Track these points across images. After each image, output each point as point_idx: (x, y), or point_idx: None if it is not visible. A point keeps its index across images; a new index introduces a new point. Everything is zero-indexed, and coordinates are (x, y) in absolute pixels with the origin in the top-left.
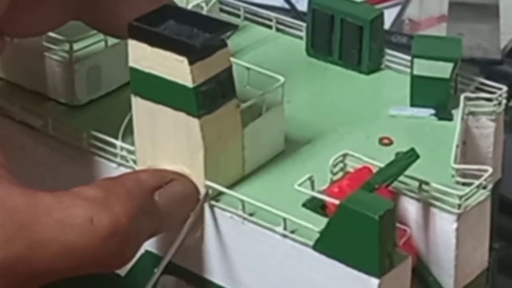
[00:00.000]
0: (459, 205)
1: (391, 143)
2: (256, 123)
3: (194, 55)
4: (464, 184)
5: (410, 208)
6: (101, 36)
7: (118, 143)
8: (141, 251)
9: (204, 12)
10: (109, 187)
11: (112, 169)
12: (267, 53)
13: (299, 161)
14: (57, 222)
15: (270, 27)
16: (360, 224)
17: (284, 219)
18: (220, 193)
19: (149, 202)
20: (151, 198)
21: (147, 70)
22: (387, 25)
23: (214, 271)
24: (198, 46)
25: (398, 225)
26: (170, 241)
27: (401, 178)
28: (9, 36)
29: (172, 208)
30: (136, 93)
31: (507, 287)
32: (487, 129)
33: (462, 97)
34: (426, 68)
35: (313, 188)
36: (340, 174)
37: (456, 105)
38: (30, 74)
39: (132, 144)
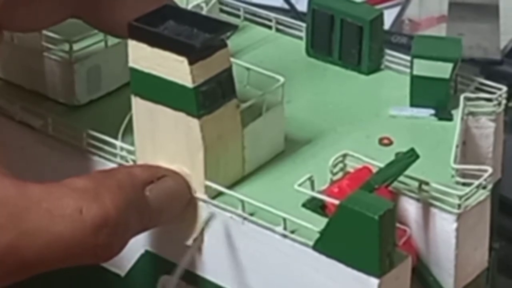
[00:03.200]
0: (459, 205)
1: (391, 143)
2: (256, 123)
3: (194, 55)
4: (464, 184)
5: (410, 208)
6: (101, 36)
7: (118, 143)
8: (141, 251)
9: (204, 12)
10: (100, 179)
11: None
12: (267, 53)
13: (299, 161)
14: (46, 212)
15: (270, 27)
16: (360, 224)
17: (284, 219)
18: (220, 193)
19: (139, 196)
20: (142, 192)
21: (147, 70)
22: (387, 25)
23: (214, 271)
24: (198, 46)
25: (398, 225)
26: (170, 242)
27: (401, 178)
28: (8, 30)
29: (163, 203)
30: (136, 93)
31: (507, 287)
32: (487, 129)
33: (462, 97)
34: (426, 68)
35: (313, 188)
36: (340, 174)
37: (456, 105)
38: (29, 74)
39: (132, 144)
